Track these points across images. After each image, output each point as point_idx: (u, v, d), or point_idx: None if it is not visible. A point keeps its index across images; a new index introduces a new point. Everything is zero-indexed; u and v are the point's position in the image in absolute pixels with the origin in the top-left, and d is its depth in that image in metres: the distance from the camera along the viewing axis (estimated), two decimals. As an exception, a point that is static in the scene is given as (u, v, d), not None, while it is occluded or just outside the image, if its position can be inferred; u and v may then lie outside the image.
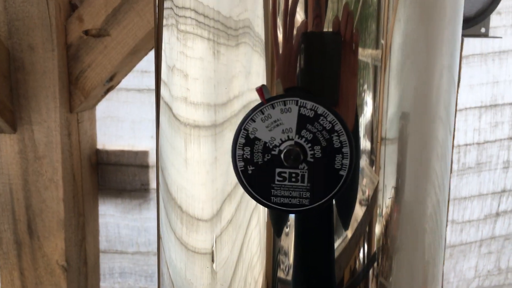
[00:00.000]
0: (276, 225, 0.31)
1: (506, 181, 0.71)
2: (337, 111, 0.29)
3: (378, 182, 0.31)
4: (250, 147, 0.30)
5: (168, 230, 0.36)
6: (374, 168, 0.30)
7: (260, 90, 0.29)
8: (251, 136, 0.30)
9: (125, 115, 0.74)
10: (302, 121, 0.29)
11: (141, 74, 0.73)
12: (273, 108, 0.30)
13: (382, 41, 0.29)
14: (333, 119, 0.29)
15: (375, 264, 0.32)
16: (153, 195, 0.75)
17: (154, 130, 0.74)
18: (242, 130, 0.30)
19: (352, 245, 0.31)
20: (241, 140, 0.30)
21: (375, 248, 0.32)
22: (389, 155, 0.31)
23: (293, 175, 0.30)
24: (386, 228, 0.32)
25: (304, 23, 0.29)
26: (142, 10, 0.64)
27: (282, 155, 0.30)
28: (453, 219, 0.76)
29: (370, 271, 0.31)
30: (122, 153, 0.74)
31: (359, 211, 0.31)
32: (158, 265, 0.39)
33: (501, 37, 0.72)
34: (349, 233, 0.31)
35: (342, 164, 0.30)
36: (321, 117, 0.29)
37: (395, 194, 0.31)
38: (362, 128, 0.30)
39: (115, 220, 0.77)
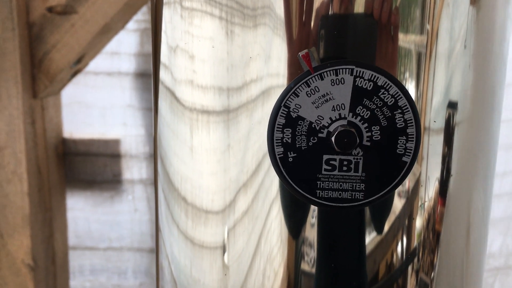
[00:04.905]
0: (290, 220, 0.28)
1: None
2: (401, 82, 0.25)
3: (420, 173, 0.28)
4: (292, 128, 0.26)
5: (170, 224, 0.33)
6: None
7: (306, 56, 0.24)
8: (293, 115, 0.25)
9: (94, 101, 0.69)
10: (358, 95, 0.25)
11: (110, 56, 0.68)
12: (322, 79, 0.25)
13: (428, 27, 0.26)
14: (397, 92, 0.25)
15: (415, 259, 0.29)
16: (125, 186, 0.71)
17: (125, 117, 0.70)
18: (282, 108, 0.25)
19: (389, 239, 0.28)
20: (281, 120, 0.26)
21: (415, 243, 0.29)
22: (433, 145, 0.28)
23: (345, 162, 0.26)
24: (429, 221, 0.29)
25: (331, 2, 0.25)
26: (113, -14, 0.59)
27: (332, 138, 0.25)
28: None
29: (410, 267, 0.29)
30: (91, 142, 0.69)
31: (397, 203, 0.28)
32: (157, 260, 0.36)
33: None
34: (386, 226, 0.28)
35: (405, 149, 0.25)
36: (382, 90, 0.25)
37: (440, 187, 0.29)
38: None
39: (85, 214, 0.72)
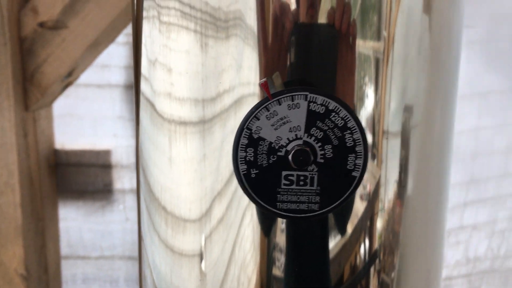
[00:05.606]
0: (263, 224, 0.30)
1: (474, 170, 0.74)
2: (349, 106, 0.27)
3: (380, 177, 0.30)
4: (254, 148, 0.28)
5: (152, 233, 0.34)
6: (376, 162, 0.29)
7: (265, 84, 0.27)
8: (255, 136, 0.28)
9: (85, 113, 0.70)
10: (312, 118, 0.27)
11: (101, 68, 0.69)
12: (280, 104, 0.27)
13: (385, 33, 0.28)
14: (346, 115, 0.27)
15: (377, 260, 0.31)
16: (116, 196, 0.72)
17: (116, 128, 0.71)
18: (245, 130, 0.28)
19: (353, 241, 0.30)
20: (244, 141, 0.28)
21: (376, 244, 0.31)
22: (391, 148, 0.30)
23: (301, 178, 0.28)
24: (388, 223, 0.31)
25: (297, 13, 0.27)
26: (102, 0, 0.61)
27: (289, 156, 0.27)
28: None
29: (372, 267, 0.30)
30: (82, 152, 0.70)
31: (359, 206, 0.30)
32: (140, 269, 0.37)
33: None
34: (349, 228, 0.30)
35: (355, 165, 0.28)
36: (333, 113, 0.27)
37: (398, 189, 0.30)
38: (363, 122, 0.28)
39: (77, 224, 0.73)
